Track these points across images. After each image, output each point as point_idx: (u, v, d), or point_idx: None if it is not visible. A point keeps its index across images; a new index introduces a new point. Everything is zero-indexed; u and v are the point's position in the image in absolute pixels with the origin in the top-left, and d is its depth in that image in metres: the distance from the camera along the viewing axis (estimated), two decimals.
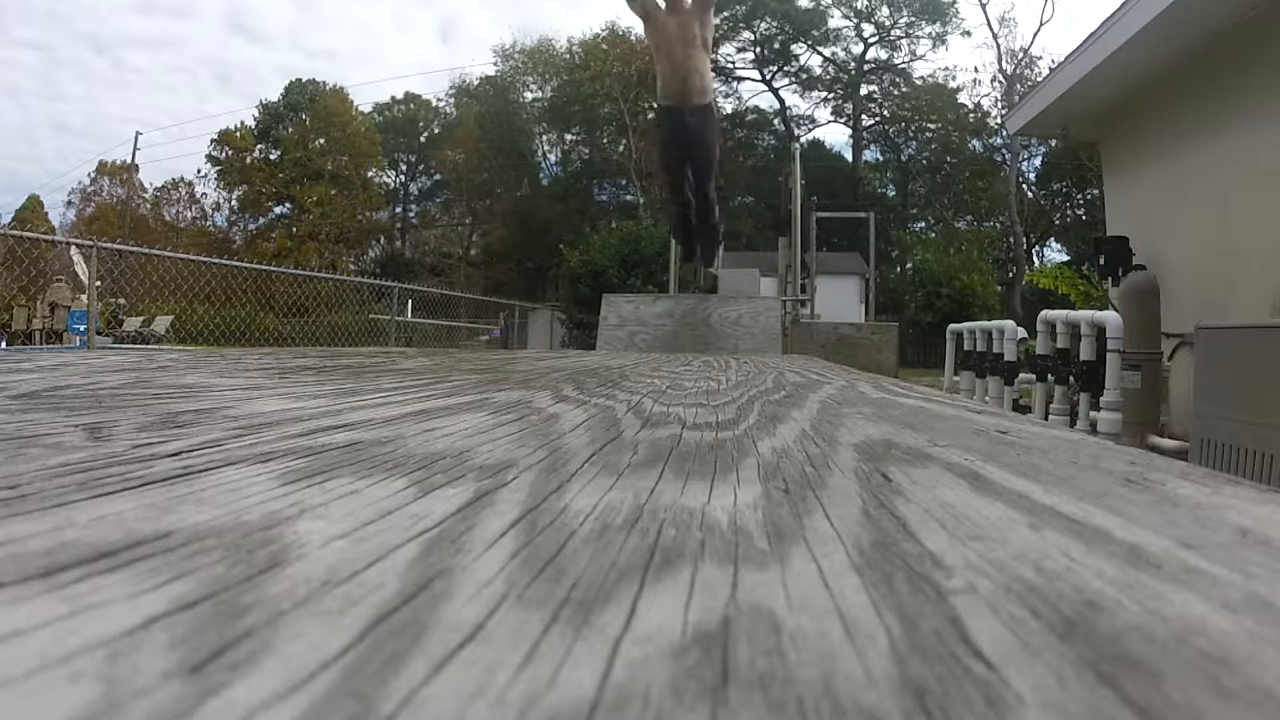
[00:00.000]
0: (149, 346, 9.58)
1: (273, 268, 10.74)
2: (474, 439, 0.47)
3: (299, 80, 34.78)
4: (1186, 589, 0.22)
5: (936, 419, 0.66)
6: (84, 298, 8.97)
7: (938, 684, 0.16)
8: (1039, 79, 20.19)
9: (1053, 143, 24.25)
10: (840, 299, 17.51)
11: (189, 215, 34.50)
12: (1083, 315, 5.14)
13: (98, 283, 8.24)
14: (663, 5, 4.34)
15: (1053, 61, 23.13)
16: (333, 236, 32.11)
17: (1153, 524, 0.30)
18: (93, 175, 34.04)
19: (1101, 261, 5.67)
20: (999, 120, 30.39)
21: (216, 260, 9.15)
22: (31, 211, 30.22)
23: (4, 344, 10.18)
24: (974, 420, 0.65)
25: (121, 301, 11.67)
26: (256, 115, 34.39)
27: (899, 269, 29.51)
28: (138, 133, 34.33)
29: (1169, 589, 0.22)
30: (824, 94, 35.44)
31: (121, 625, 0.18)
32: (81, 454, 0.41)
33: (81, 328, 9.08)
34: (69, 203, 34.29)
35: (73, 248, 9.97)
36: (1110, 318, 4.73)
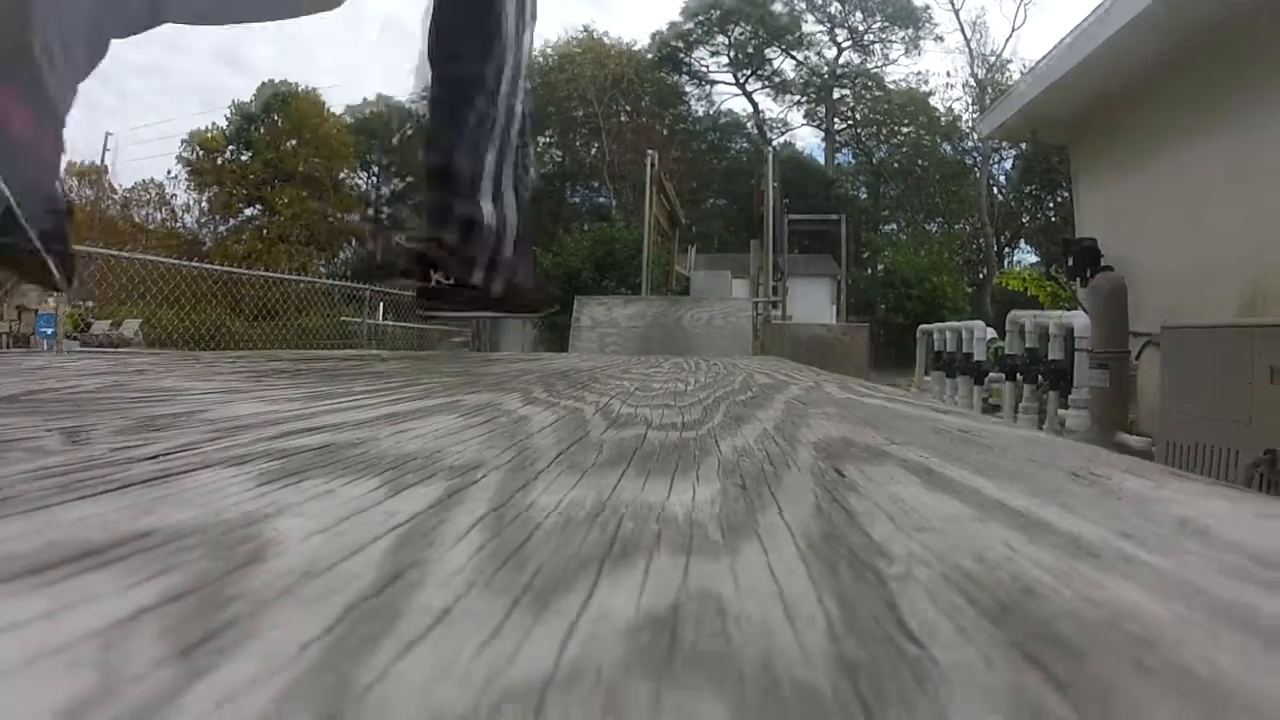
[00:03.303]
0: (118, 350, 9.47)
1: (242, 270, 10.65)
2: (444, 440, 0.48)
3: (271, 81, 34.56)
4: (1122, 577, 0.24)
5: (899, 419, 0.67)
6: (52, 301, 8.88)
7: (870, 662, 0.17)
8: (1010, 83, 20.32)
9: (1023, 146, 24.48)
10: (812, 301, 17.58)
11: (159, 217, 34.18)
12: (1051, 316, 5.20)
13: None
14: None
15: (1024, 66, 23.31)
16: (303, 239, 31.93)
17: (1094, 516, 0.31)
18: (62, 176, 33.49)
19: (1070, 263, 5.74)
20: (970, 124, 30.64)
21: (185, 263, 9.08)
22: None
23: None
24: (937, 420, 0.67)
25: (89, 304, 11.56)
26: (228, 117, 34.12)
27: (870, 271, 29.64)
28: (108, 133, 33.89)
29: (1105, 577, 0.23)
30: (797, 98, 35.62)
31: (113, 616, 0.19)
32: (60, 458, 0.41)
33: (50, 331, 8.98)
34: None
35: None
36: (1078, 318, 4.80)
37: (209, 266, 9.73)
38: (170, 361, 1.53)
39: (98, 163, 32.60)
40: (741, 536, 0.27)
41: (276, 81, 34.60)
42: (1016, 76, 22.02)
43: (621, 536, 0.26)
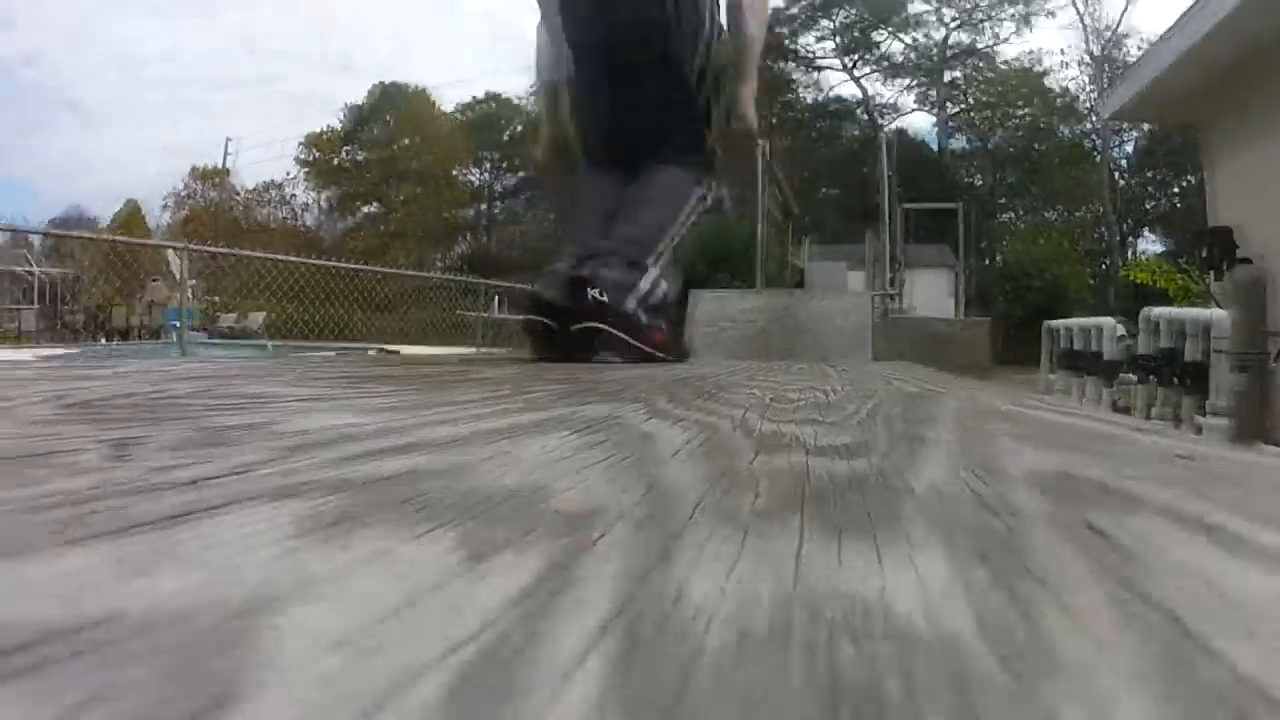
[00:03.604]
0: (241, 341, 9.87)
1: (358, 265, 10.92)
2: (553, 469, 0.38)
3: (383, 84, 35.55)
4: None
5: (1099, 440, 0.56)
6: (178, 297, 9.25)
7: None
8: (1129, 59, 19.52)
9: (1146, 127, 23.57)
10: (930, 292, 17.16)
11: (280, 216, 35.62)
12: (1188, 313, 4.91)
13: (192, 282, 8.51)
14: None
15: (1143, 40, 22.39)
16: (420, 234, 32.85)
17: None
18: (186, 180, 35.19)
19: (1204, 254, 5.44)
20: (1089, 105, 29.73)
21: (300, 259, 9.38)
22: (130, 216, 31.31)
23: (104, 340, 10.56)
24: (1143, 441, 0.55)
25: (216, 299, 12.08)
26: (343, 119, 35.29)
27: (988, 261, 28.94)
28: (228, 138, 35.29)
29: None
30: (907, 81, 35.04)
31: None
32: (87, 479, 0.34)
33: (177, 324, 9.38)
34: (165, 206, 35.46)
35: (169, 249, 10.29)
36: (1218, 315, 4.50)
37: (326, 263, 9.98)
38: (275, 366, 1.49)
39: (219, 165, 33.94)
40: (1043, 674, 0.16)
41: (387, 83, 35.57)
42: (1135, 52, 21.09)
43: (844, 680, 0.15)
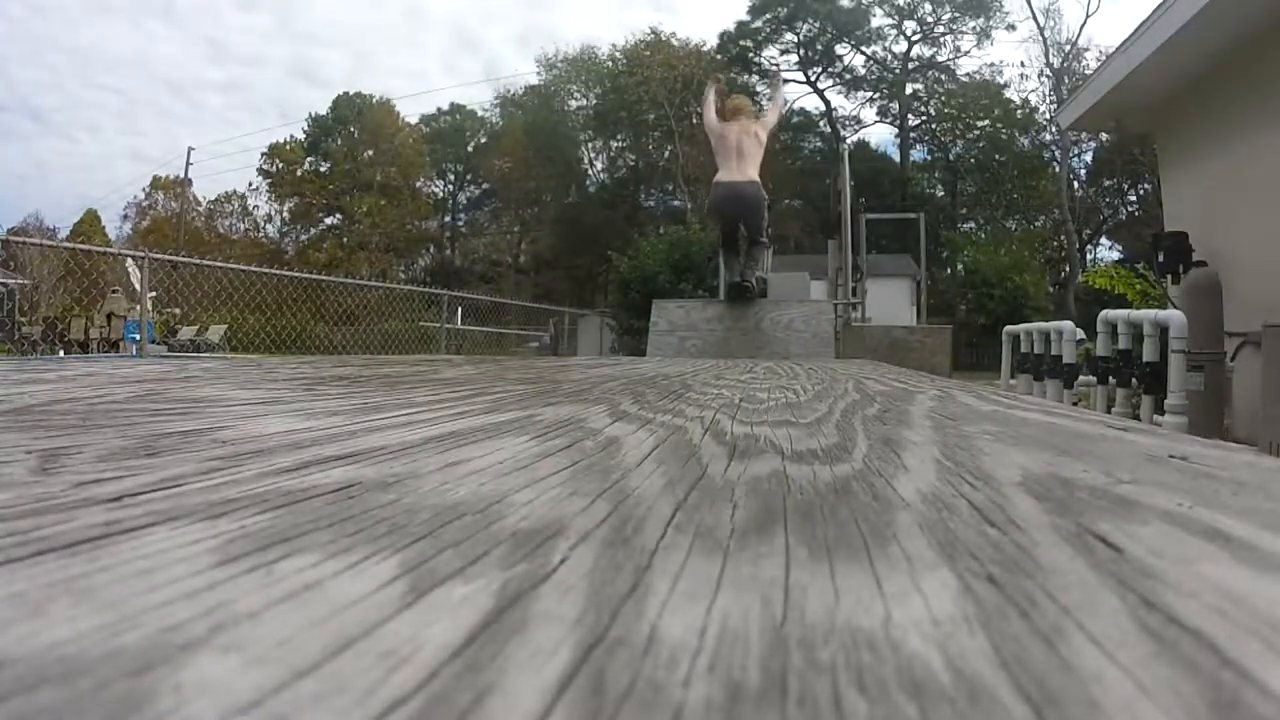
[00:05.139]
0: (200, 355, 9.72)
1: (323, 277, 10.82)
2: (510, 479, 0.35)
3: (346, 94, 35.35)
4: None
5: (1085, 440, 0.53)
6: (138, 309, 9.10)
7: None
8: (1088, 71, 19.75)
9: (1104, 138, 23.90)
10: (891, 301, 17.31)
11: (241, 227, 35.22)
12: (1146, 315, 4.95)
13: (152, 293, 8.39)
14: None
15: (1100, 53, 22.65)
16: (382, 246, 32.64)
17: None
18: (147, 190, 34.70)
19: (1160, 259, 5.50)
20: (1048, 116, 30.14)
21: (265, 270, 9.30)
22: (89, 225, 30.83)
23: (61, 354, 10.38)
24: (1130, 440, 0.53)
25: (176, 311, 11.91)
26: (305, 129, 34.97)
27: (949, 270, 29.19)
28: (190, 147, 34.84)
29: None
30: (869, 94, 35.29)
31: None
32: (6, 495, 0.31)
33: (137, 336, 9.22)
34: (125, 216, 34.96)
35: (128, 259, 10.11)
36: (1174, 317, 4.54)
37: (288, 273, 9.89)
38: (228, 368, 1.45)
39: (181, 175, 33.50)
40: None
41: (351, 94, 35.33)
42: (1093, 64, 21.32)
43: None
